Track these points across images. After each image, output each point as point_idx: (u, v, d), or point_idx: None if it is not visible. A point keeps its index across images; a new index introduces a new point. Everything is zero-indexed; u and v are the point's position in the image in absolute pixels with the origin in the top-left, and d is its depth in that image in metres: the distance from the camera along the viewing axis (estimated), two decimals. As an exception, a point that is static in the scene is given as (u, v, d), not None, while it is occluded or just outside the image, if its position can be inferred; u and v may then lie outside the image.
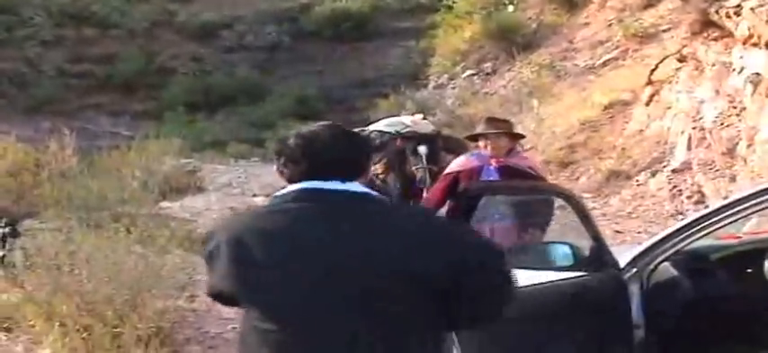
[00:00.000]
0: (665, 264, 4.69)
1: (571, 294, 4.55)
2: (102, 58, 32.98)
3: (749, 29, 12.15)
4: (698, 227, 4.46)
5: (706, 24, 13.68)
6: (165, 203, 14.09)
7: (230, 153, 23.82)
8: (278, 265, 2.95)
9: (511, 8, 25.18)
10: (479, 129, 7.36)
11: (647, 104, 15.30)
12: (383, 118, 11.71)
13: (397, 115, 12.13)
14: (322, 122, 3.25)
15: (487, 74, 23.70)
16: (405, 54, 29.91)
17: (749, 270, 4.68)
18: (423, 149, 9.79)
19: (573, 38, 22.20)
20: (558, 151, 15.93)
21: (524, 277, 4.74)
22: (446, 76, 25.21)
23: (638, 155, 14.20)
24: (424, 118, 11.28)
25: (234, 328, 6.99)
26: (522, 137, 7.89)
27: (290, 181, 3.08)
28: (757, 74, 11.78)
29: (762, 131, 11.48)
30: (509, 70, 22.93)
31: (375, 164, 10.07)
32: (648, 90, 15.43)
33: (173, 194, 15.23)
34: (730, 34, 13.18)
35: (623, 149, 14.67)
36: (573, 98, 18.39)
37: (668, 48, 17.67)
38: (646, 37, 19.70)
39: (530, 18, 24.36)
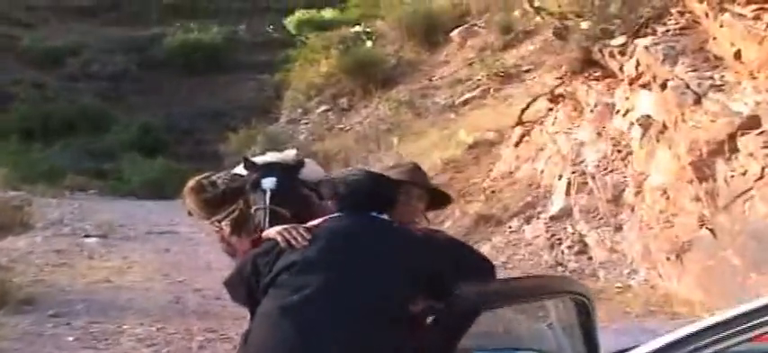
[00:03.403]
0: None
1: None
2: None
3: (638, 68, 10.76)
4: (731, 329, 2.76)
5: (587, 63, 12.29)
6: (-19, 246, 11.77)
7: (67, 185, 21.27)
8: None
9: (369, 44, 23.64)
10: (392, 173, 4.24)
11: (517, 144, 13.82)
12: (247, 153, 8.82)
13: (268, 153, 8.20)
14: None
15: (343, 109, 22.05)
16: (258, 87, 28.04)
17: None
18: (268, 182, 6.49)
19: (432, 75, 20.78)
20: (421, 192, 14.25)
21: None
22: (300, 110, 23.48)
23: (509, 199, 12.65)
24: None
25: None
26: (449, 202, 4.86)
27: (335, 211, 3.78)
28: (647, 116, 10.37)
29: (652, 176, 10.07)
30: (366, 106, 21.35)
31: (220, 221, 7.38)
32: (518, 130, 13.96)
33: (-6, 232, 12.90)
34: (613, 74, 11.82)
35: (493, 191, 13.11)
36: (435, 136, 16.85)
37: (532, 88, 16.40)
38: (507, 77, 18.43)
39: (388, 54, 22.82)
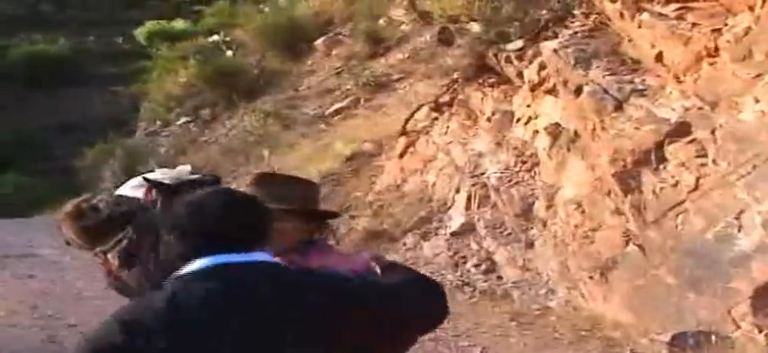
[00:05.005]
0: None
1: None
2: None
3: (541, 73, 9.74)
4: None
5: (480, 69, 11.21)
6: None
7: None
8: None
9: (229, 53, 22.02)
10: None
11: (401, 156, 12.62)
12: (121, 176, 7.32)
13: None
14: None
15: (206, 121, 20.38)
16: (111, 100, 25.92)
17: None
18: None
19: (299, 85, 19.38)
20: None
21: None
22: (159, 122, 21.68)
23: (400, 213, 11.42)
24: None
25: None
26: (334, 215, 3.86)
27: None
28: (556, 124, 9.34)
29: (564, 189, 9.03)
30: (230, 118, 19.76)
31: (107, 253, 5.79)
32: (402, 141, 12.76)
33: None
34: (508, 81, 10.79)
35: (381, 206, 11.86)
36: (308, 148, 15.49)
37: (405, 97, 15.33)
38: (378, 86, 17.22)
39: (251, 64, 21.26)
